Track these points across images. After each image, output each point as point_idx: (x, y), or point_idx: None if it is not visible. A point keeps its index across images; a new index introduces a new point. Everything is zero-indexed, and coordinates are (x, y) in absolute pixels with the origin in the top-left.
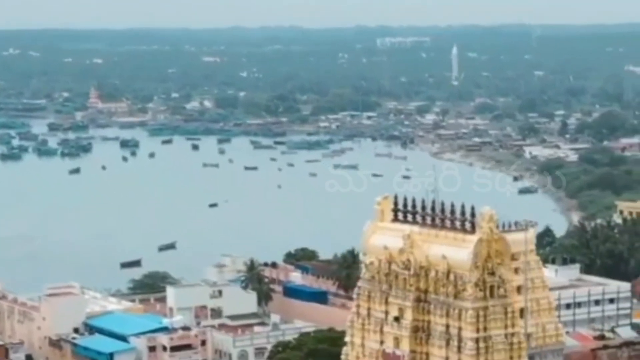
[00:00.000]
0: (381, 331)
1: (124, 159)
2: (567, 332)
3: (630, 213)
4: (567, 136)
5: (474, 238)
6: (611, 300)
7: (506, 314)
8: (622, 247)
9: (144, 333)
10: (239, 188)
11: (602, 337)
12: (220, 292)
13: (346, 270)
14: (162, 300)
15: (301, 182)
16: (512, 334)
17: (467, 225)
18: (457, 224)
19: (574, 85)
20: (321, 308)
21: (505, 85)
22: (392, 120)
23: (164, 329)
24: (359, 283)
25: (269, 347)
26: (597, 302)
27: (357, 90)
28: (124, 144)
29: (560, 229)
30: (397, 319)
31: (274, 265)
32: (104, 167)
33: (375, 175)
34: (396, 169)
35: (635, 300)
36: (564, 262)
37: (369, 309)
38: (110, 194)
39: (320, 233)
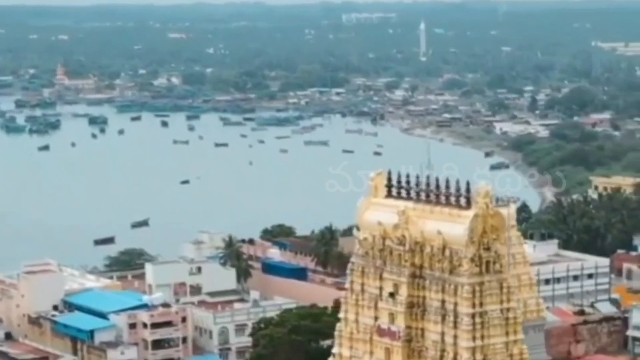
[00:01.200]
0: (375, 307)
1: (93, 135)
2: (547, 308)
3: (605, 188)
4: (537, 112)
5: (469, 213)
6: (590, 276)
7: (502, 289)
8: (598, 223)
9: (123, 310)
10: (210, 165)
11: (582, 313)
12: (199, 269)
13: (324, 246)
14: (140, 277)
15: (272, 159)
16: (508, 309)
17: (462, 200)
18: (452, 199)
19: (542, 61)
20: (300, 284)
21: (473, 61)
22: (361, 97)
23: (144, 306)
24: (352, 259)
25: (250, 323)
26: (575, 278)
27: (325, 67)
28: (93, 120)
29: (533, 205)
30: (392, 294)
31: (251, 241)
32: (73, 144)
33: (346, 151)
34: (367, 145)
35: (613, 276)
36: (542, 237)
37: (362, 284)
38: (80, 171)
39: (296, 209)
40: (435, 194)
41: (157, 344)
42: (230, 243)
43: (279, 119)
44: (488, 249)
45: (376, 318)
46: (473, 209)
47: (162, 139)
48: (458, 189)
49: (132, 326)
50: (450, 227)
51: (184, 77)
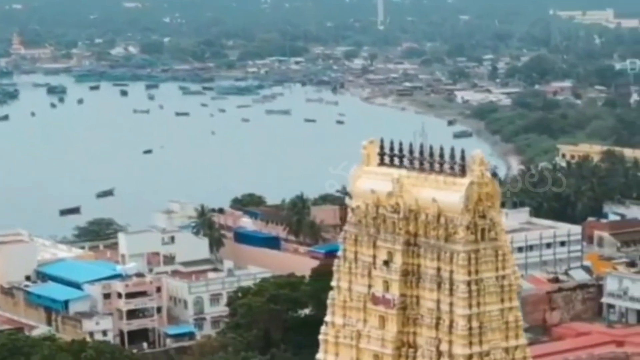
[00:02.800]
0: (369, 275)
1: (53, 105)
2: (521, 276)
3: (573, 156)
4: (498, 80)
5: (464, 181)
6: (562, 244)
7: (497, 256)
8: (568, 191)
9: (98, 280)
10: (172, 134)
11: (556, 280)
12: (172, 239)
13: (296, 215)
14: (112, 247)
15: (235, 128)
16: (503, 277)
17: (457, 168)
18: (447, 167)
19: (500, 30)
20: (274, 253)
21: (431, 30)
22: (321, 65)
23: (118, 276)
24: (345, 227)
25: (225, 293)
26: (548, 245)
27: (284, 36)
28: (51, 90)
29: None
30: (386, 262)
31: (221, 211)
32: (33, 114)
33: (308, 120)
34: (329, 114)
35: (585, 243)
36: (514, 205)
37: (356, 253)
38: (41, 141)
39: (264, 178)
40: (430, 162)
41: (132, 314)
42: (202, 212)
43: (239, 88)
44: (483, 216)
45: (370, 286)
46: (468, 176)
47: (122, 108)
48: (453, 157)
49: (107, 296)
50: (445, 194)
51: (142, 47)
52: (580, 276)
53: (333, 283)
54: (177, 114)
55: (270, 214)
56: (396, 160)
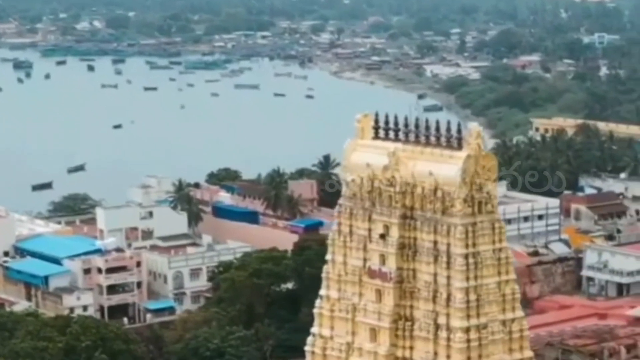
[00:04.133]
0: (365, 249)
1: (19, 80)
2: None
3: (546, 130)
4: (466, 54)
5: (461, 154)
6: (540, 217)
7: (493, 229)
8: (544, 164)
9: (77, 255)
10: (141, 109)
11: (536, 254)
12: (150, 213)
13: (274, 190)
14: (89, 222)
15: (204, 102)
16: (500, 249)
17: (454, 141)
18: (443, 140)
19: (466, 4)
20: (252, 228)
21: (397, 3)
22: (288, 40)
23: (97, 251)
24: (340, 201)
25: (204, 268)
26: (526, 219)
27: (250, 10)
28: (18, 65)
29: None
30: (382, 236)
31: (197, 185)
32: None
33: (277, 94)
34: (298, 89)
35: (562, 217)
36: None
37: (350, 226)
38: (9, 116)
39: (238, 152)
40: (425, 135)
41: (112, 289)
42: (180, 187)
43: (207, 62)
44: (480, 189)
45: (365, 260)
46: (465, 150)
47: (90, 83)
48: (449, 130)
49: (87, 271)
50: (442, 168)
51: (107, 21)
52: (559, 249)
53: (327, 257)
54: (146, 88)
55: (247, 188)
56: (391, 134)
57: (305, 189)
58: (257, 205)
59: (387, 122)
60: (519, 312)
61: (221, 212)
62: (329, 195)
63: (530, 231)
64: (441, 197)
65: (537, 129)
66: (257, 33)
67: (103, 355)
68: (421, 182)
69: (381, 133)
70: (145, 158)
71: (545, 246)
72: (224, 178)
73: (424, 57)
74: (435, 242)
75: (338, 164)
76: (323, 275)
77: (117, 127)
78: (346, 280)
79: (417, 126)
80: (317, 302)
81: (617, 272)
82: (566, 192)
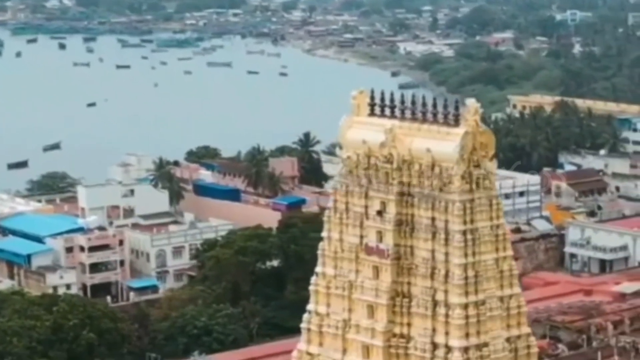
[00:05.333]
0: (361, 226)
1: None
2: None
3: (524, 107)
4: (438, 32)
5: (459, 131)
6: (521, 194)
7: (491, 205)
8: (524, 141)
9: (59, 234)
10: (115, 87)
11: (518, 230)
12: (132, 191)
13: (255, 167)
14: (69, 200)
15: (177, 80)
16: (497, 226)
17: (451, 118)
18: (440, 117)
19: None
20: (234, 206)
21: None
22: (259, 17)
23: (80, 230)
24: (336, 178)
25: (187, 246)
26: (507, 196)
27: None
28: None
29: None
30: (379, 213)
31: (176, 163)
32: None
33: (251, 72)
34: (271, 66)
35: (542, 194)
36: None
37: (347, 203)
38: None
39: (215, 130)
40: (422, 112)
41: (95, 268)
42: (160, 165)
43: (179, 40)
44: (478, 166)
45: (362, 237)
46: (463, 126)
47: (62, 61)
48: (446, 107)
49: (69, 250)
50: (439, 144)
51: None
52: (542, 226)
53: (323, 234)
54: (118, 66)
55: (227, 166)
56: (387, 111)
57: (286, 167)
58: (237, 183)
59: (383, 99)
60: (517, 289)
61: (202, 190)
62: (310, 173)
63: (511, 208)
64: (439, 173)
65: (514, 106)
66: (229, 11)
67: (91, 334)
68: (418, 159)
69: (377, 110)
70: (122, 136)
71: (528, 223)
72: (203, 156)
73: (397, 35)
74: (433, 219)
75: (318, 142)
76: (319, 252)
77: (91, 105)
78: (342, 257)
79: (413, 103)
80: (313, 279)
81: (600, 248)
82: (545, 169)
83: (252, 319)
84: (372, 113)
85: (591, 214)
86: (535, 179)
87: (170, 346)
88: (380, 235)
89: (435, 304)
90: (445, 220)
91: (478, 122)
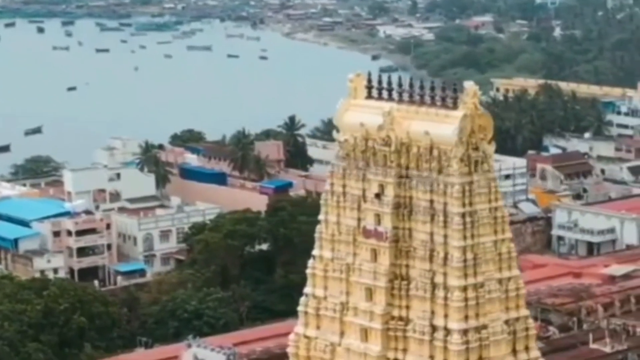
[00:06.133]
0: (359, 208)
1: None
2: None
3: (507, 90)
4: (418, 15)
5: (457, 114)
6: (507, 177)
7: (490, 188)
8: (508, 124)
9: (46, 218)
10: (95, 71)
11: None
12: (118, 175)
13: (241, 151)
14: (54, 184)
15: (158, 64)
16: (496, 208)
17: (449, 101)
18: (438, 100)
19: None
20: (221, 189)
21: None
22: (238, 1)
23: (66, 214)
24: (333, 161)
25: (174, 229)
26: None
27: None
28: None
29: None
30: (377, 195)
31: (160, 147)
32: None
33: (231, 56)
34: (251, 50)
35: (528, 176)
36: None
37: (344, 186)
38: None
39: (198, 114)
40: (420, 95)
41: (82, 252)
42: (146, 149)
43: (158, 24)
44: (476, 148)
45: (359, 219)
46: (462, 109)
47: (41, 45)
48: (444, 89)
49: (56, 234)
50: (438, 127)
51: None
52: (529, 209)
53: (320, 217)
54: (98, 50)
55: (213, 149)
56: (384, 94)
57: (272, 150)
58: (223, 167)
59: (380, 82)
60: (515, 271)
61: (188, 173)
62: (295, 156)
63: None
64: (437, 156)
65: (497, 90)
66: None
67: (82, 318)
68: (417, 142)
69: (374, 93)
70: (104, 120)
71: (515, 206)
72: (188, 139)
73: (376, 18)
74: (431, 201)
75: (303, 125)
76: (316, 235)
77: (72, 89)
78: (340, 240)
79: (411, 86)
80: (310, 262)
81: (587, 231)
82: (530, 151)
83: (241, 302)
84: (369, 96)
85: (577, 197)
86: (521, 162)
87: (160, 330)
88: (378, 218)
89: (434, 286)
90: (444, 203)
91: (477, 105)
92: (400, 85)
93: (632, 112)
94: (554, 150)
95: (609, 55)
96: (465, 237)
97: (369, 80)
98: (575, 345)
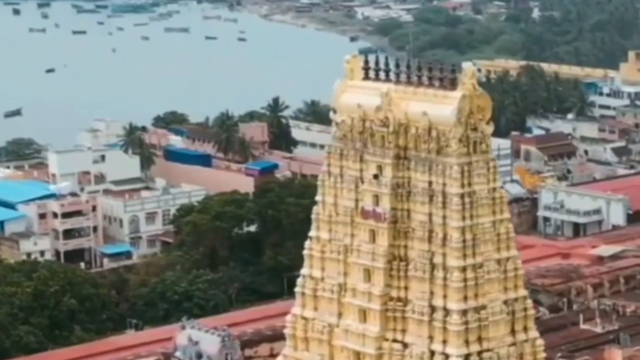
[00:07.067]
0: (356, 190)
1: None
2: None
3: (489, 71)
4: None
5: (456, 94)
6: None
7: (488, 169)
8: (492, 104)
9: (32, 200)
10: (72, 53)
11: None
12: (103, 157)
13: (225, 132)
14: (37, 166)
15: (135, 46)
16: (494, 189)
17: (447, 82)
18: (436, 80)
19: None
20: (206, 171)
21: None
22: None
23: (52, 196)
24: (330, 142)
25: (160, 211)
26: None
27: None
28: None
29: None
30: (376, 176)
31: (143, 129)
32: None
33: (209, 37)
34: (229, 32)
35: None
36: None
37: (341, 167)
38: None
39: (180, 96)
40: (418, 76)
41: (68, 234)
42: (131, 130)
43: (134, 5)
44: (475, 129)
45: (357, 200)
46: (460, 89)
47: (17, 27)
48: (442, 70)
49: (42, 216)
50: (436, 108)
51: None
52: (515, 190)
53: (317, 198)
54: (74, 32)
55: (196, 131)
56: (382, 75)
57: (256, 132)
58: (207, 149)
59: (377, 63)
60: (514, 251)
61: (173, 155)
62: (278, 138)
63: None
64: (436, 137)
65: (479, 71)
66: None
67: (72, 300)
68: (415, 123)
69: (372, 74)
70: (84, 102)
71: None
72: (171, 121)
73: (354, 0)
74: (430, 182)
75: (287, 107)
76: (312, 216)
77: (50, 71)
78: (337, 221)
79: (409, 67)
80: (307, 243)
81: (573, 212)
82: (514, 132)
83: (230, 284)
84: (366, 77)
85: (561, 177)
86: (505, 143)
87: (150, 312)
88: (376, 199)
89: (433, 267)
90: (443, 184)
91: (475, 86)
92: (397, 66)
93: (614, 93)
94: (537, 132)
95: (589, 37)
96: (464, 218)
97: (366, 62)
98: (565, 326)
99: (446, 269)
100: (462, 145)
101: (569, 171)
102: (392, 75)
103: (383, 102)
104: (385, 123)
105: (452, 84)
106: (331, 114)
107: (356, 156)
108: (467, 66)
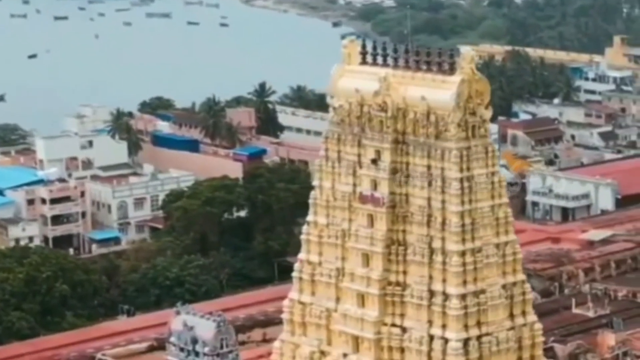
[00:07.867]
0: (354, 174)
1: None
2: None
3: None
4: None
5: (455, 79)
6: None
7: (487, 153)
8: None
9: (20, 186)
10: (54, 38)
11: None
12: (90, 143)
13: (212, 118)
14: (24, 152)
15: (118, 32)
16: (493, 173)
17: (445, 66)
18: (434, 65)
19: None
20: (194, 156)
21: None
22: None
23: (40, 182)
24: (327, 127)
25: (148, 197)
26: None
27: None
28: None
29: None
30: (374, 161)
31: (130, 114)
32: None
33: (191, 23)
34: (211, 17)
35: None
36: None
37: (339, 152)
38: None
39: (165, 81)
40: (416, 60)
41: (57, 220)
42: (118, 116)
43: None
44: (474, 113)
45: (355, 185)
46: (459, 74)
47: None
48: (440, 55)
49: (31, 202)
50: (435, 92)
51: None
52: (503, 174)
53: (315, 183)
54: (56, 18)
55: (183, 117)
56: (379, 59)
57: (243, 117)
58: (194, 134)
59: (375, 48)
60: (512, 236)
61: (161, 140)
62: (265, 123)
63: None
64: (434, 121)
65: None
66: None
67: (64, 286)
68: (413, 107)
69: (369, 58)
70: (68, 88)
71: None
72: (157, 107)
73: None
74: (428, 167)
75: (274, 92)
76: (310, 201)
77: (32, 56)
78: (335, 206)
79: (407, 51)
80: (304, 228)
81: (562, 196)
82: (500, 117)
83: (221, 269)
84: (363, 61)
85: (548, 162)
86: (493, 127)
87: (142, 298)
88: (374, 184)
89: (431, 251)
90: (442, 168)
91: (474, 70)
92: (395, 50)
93: (600, 78)
94: (523, 116)
95: (573, 22)
96: (463, 202)
97: (364, 46)
98: (557, 310)
99: (445, 253)
100: (460, 129)
101: (556, 156)
102: (389, 60)
103: (381, 87)
104: (384, 108)
105: (451, 69)
106: (328, 99)
107: (354, 141)
108: (466, 51)
